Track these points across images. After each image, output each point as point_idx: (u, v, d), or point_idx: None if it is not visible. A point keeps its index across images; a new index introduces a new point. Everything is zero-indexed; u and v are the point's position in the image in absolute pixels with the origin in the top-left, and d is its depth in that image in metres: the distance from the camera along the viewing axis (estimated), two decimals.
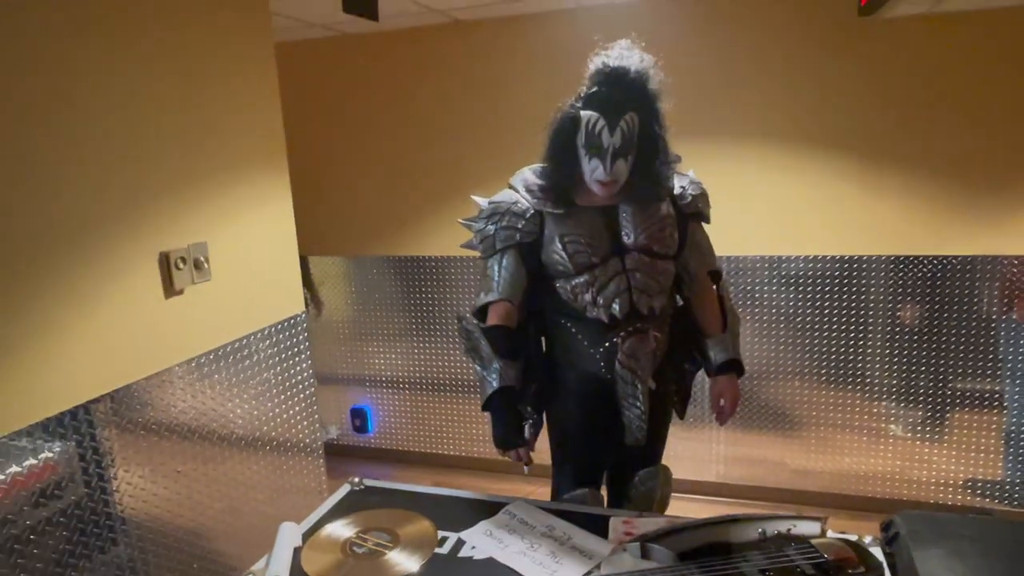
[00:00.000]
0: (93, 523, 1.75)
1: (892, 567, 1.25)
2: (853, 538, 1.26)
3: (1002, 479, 3.01)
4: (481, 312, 1.82)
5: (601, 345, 1.76)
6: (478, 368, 1.77)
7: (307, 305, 3.65)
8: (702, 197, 1.89)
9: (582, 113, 1.66)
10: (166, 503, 1.96)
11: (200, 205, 2.04)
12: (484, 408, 1.76)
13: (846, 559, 1.15)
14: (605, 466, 1.94)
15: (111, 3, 1.76)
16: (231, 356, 2.18)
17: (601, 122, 1.63)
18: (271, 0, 2.41)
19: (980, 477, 3.05)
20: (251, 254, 2.26)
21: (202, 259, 2.00)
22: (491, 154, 3.32)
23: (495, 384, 1.71)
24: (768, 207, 3.09)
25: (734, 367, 1.90)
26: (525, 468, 1.78)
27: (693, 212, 1.86)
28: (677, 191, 1.83)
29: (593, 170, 1.67)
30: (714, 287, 1.93)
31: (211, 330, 2.10)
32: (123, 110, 1.80)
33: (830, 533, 1.27)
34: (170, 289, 1.91)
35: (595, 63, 1.67)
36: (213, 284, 2.07)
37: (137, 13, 1.84)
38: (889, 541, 1.34)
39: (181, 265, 1.92)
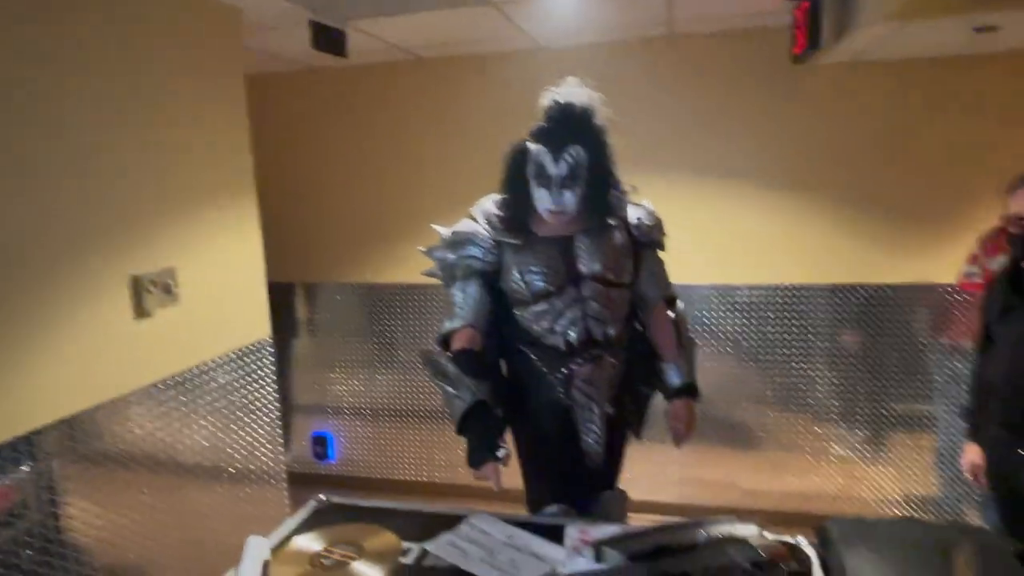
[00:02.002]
0: (45, 551, 1.73)
1: (826, 567, 1.36)
2: (787, 539, 1.37)
3: (935, 495, 3.19)
4: (446, 340, 1.84)
5: (558, 371, 1.82)
6: (447, 389, 1.75)
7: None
8: (656, 226, 1.96)
9: (530, 146, 1.75)
10: (122, 531, 1.94)
11: (170, 230, 2.09)
12: (459, 429, 1.72)
13: (780, 556, 1.26)
14: (573, 481, 1.92)
15: (84, 33, 1.83)
16: (197, 379, 2.21)
17: (546, 154, 1.72)
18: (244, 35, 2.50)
19: (915, 493, 3.22)
20: (219, 279, 2.30)
21: (171, 283, 2.04)
22: (452, 185, 3.43)
23: (468, 399, 1.70)
24: (718, 239, 3.26)
25: (690, 391, 1.96)
26: (495, 488, 1.72)
27: (648, 241, 1.93)
28: (633, 221, 1.90)
29: (541, 200, 1.74)
30: (670, 313, 2.00)
31: (178, 353, 2.13)
32: (96, 138, 1.85)
33: (766, 535, 1.37)
34: (140, 311, 1.95)
35: (545, 99, 1.76)
36: (181, 308, 2.11)
37: (109, 44, 1.90)
38: (823, 543, 1.46)
39: (152, 288, 1.96)
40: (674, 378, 1.95)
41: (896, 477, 3.23)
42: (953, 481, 3.14)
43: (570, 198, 1.73)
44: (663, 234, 1.99)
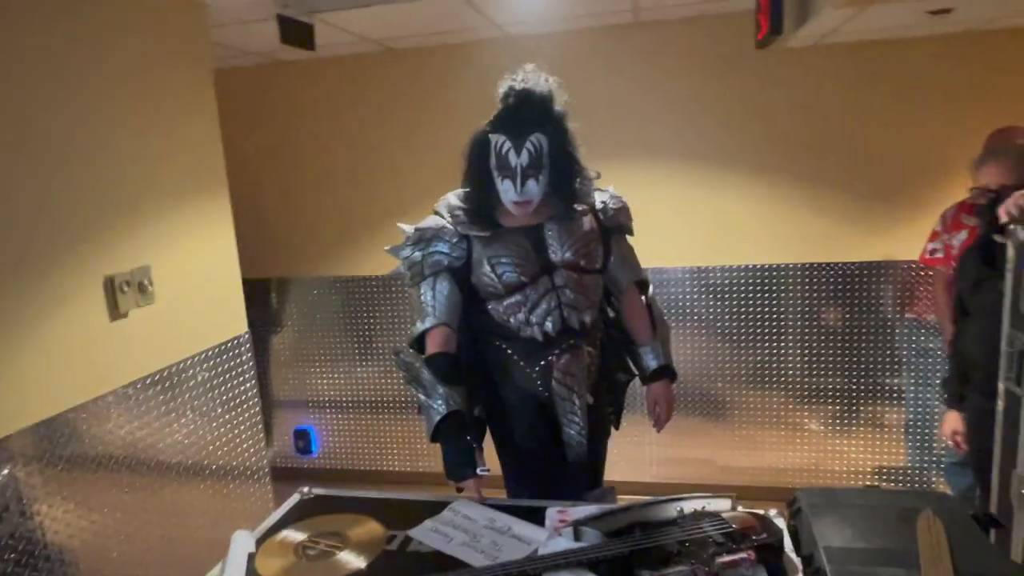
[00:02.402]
0: (29, 553, 1.74)
1: (796, 536, 1.41)
2: (759, 511, 1.42)
3: (905, 465, 3.30)
4: (418, 341, 1.79)
5: (537, 364, 1.80)
6: (421, 397, 1.71)
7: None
8: (623, 211, 1.94)
9: (490, 136, 1.71)
10: (104, 531, 1.94)
11: (143, 229, 2.08)
12: (432, 438, 1.69)
13: (751, 527, 1.30)
14: (554, 478, 1.90)
15: (48, 30, 1.80)
16: (175, 377, 2.21)
17: (507, 144, 1.67)
18: (211, 30, 2.48)
19: (887, 465, 3.32)
20: (194, 276, 2.30)
21: (146, 282, 2.04)
22: (427, 175, 3.42)
23: (443, 410, 1.66)
24: (691, 223, 3.32)
25: (667, 373, 1.97)
26: (477, 499, 1.67)
27: (616, 226, 1.92)
28: (599, 206, 1.88)
29: (506, 191, 1.71)
30: (642, 297, 2.00)
31: (155, 352, 2.12)
32: (63, 137, 1.84)
33: (740, 508, 1.42)
34: (115, 312, 1.94)
35: (503, 86, 1.72)
36: (157, 307, 2.10)
37: (74, 42, 1.88)
38: (793, 514, 1.52)
39: (126, 288, 1.95)
40: (651, 361, 1.96)
41: (867, 449, 3.33)
42: (921, 450, 3.25)
43: (533, 187, 1.70)
44: (630, 219, 1.98)
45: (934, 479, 3.25)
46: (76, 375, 1.86)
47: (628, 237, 2.00)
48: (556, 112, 1.73)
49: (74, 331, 1.84)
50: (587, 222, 1.85)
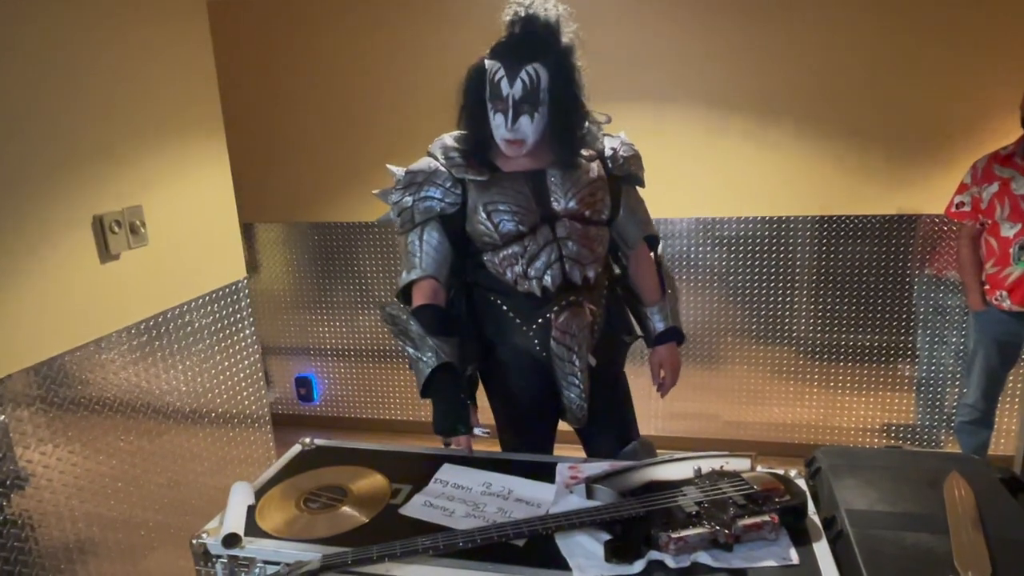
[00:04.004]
0: (24, 497, 1.70)
1: (815, 497, 1.36)
2: (780, 472, 1.36)
3: (914, 423, 3.26)
4: (405, 293, 1.69)
5: (534, 321, 1.67)
6: (410, 351, 1.60)
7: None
8: (634, 159, 1.79)
9: (485, 63, 1.56)
10: (102, 478, 1.90)
11: (134, 167, 1.98)
12: (423, 393, 1.59)
13: (773, 489, 1.25)
14: (552, 443, 1.84)
15: None
16: (171, 323, 2.14)
17: (501, 71, 1.52)
18: None
19: (895, 422, 3.29)
20: (189, 218, 2.21)
21: (138, 223, 1.95)
22: (438, 115, 3.29)
23: (433, 362, 1.55)
24: (699, 171, 3.20)
25: (674, 336, 1.85)
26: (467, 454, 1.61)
27: (625, 175, 1.77)
28: (608, 153, 1.73)
29: (498, 126, 1.56)
30: (652, 253, 1.87)
31: (150, 296, 2.05)
32: (51, 70, 1.72)
33: (759, 468, 1.37)
34: (106, 254, 1.86)
35: (507, 11, 1.56)
36: (151, 249, 2.02)
37: None
38: (812, 474, 1.47)
39: (116, 229, 1.86)
40: (658, 322, 1.84)
41: (877, 406, 3.29)
42: (931, 409, 3.21)
43: (527, 124, 1.55)
44: (642, 168, 1.82)
45: (943, 438, 3.22)
46: (68, 318, 1.79)
47: (639, 189, 1.85)
48: (561, 43, 1.56)
49: (64, 272, 1.76)
50: (594, 169, 1.69)
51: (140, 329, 2.02)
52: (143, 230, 1.97)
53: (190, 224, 2.21)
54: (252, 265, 3.75)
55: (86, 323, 1.84)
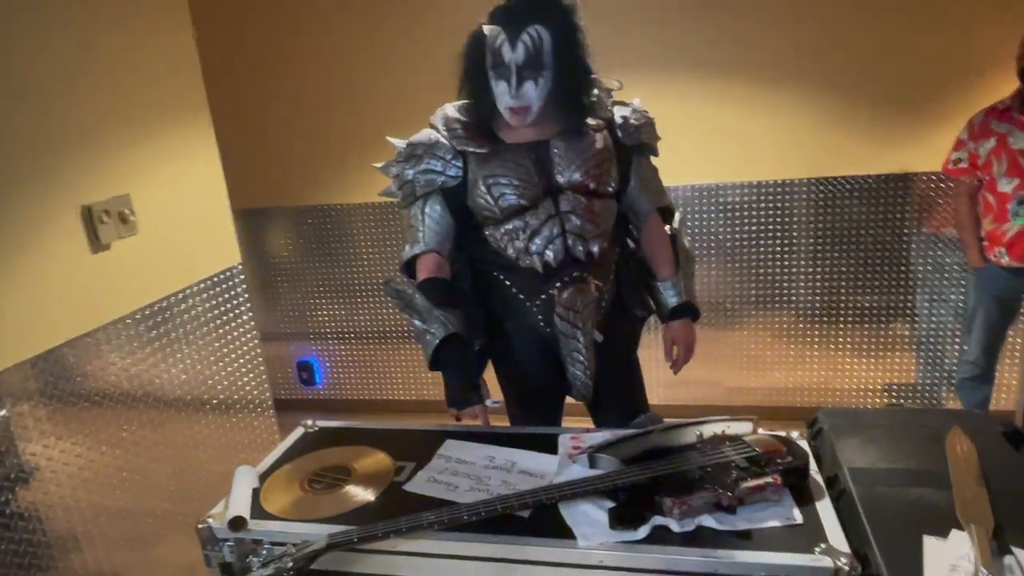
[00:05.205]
0: (29, 492, 1.70)
1: (817, 457, 1.36)
2: (782, 434, 1.36)
3: (915, 382, 3.27)
4: (409, 267, 1.67)
5: (537, 297, 1.65)
6: (417, 323, 1.59)
7: None
8: (646, 127, 1.72)
9: (484, 28, 1.51)
10: (106, 469, 1.89)
11: (119, 156, 1.95)
12: (432, 366, 1.58)
13: (775, 450, 1.25)
14: (560, 417, 1.84)
15: None
16: (168, 312, 2.13)
17: (502, 36, 1.47)
18: None
19: (896, 382, 3.30)
20: (179, 205, 2.18)
21: (127, 212, 1.93)
22: (432, 92, 3.26)
23: (440, 334, 1.54)
24: (695, 136, 3.16)
25: (688, 311, 1.79)
26: (484, 426, 1.62)
27: (636, 144, 1.70)
28: (618, 121, 1.68)
29: (501, 95, 1.52)
30: (666, 227, 1.80)
31: (144, 286, 2.04)
32: (35, 59, 1.69)
33: (760, 431, 1.37)
34: (96, 244, 1.84)
35: None
36: (141, 238, 2.00)
37: None
38: (814, 436, 1.47)
39: (105, 219, 1.84)
40: (671, 297, 1.76)
41: (877, 366, 3.30)
42: (932, 367, 3.22)
43: (531, 90, 1.50)
44: (655, 136, 1.76)
45: (945, 395, 3.23)
46: (62, 310, 1.78)
47: (653, 159, 1.79)
48: (562, 4, 1.52)
49: (55, 264, 1.75)
50: (601, 139, 1.64)
51: (136, 319, 2.00)
52: (132, 219, 1.95)
53: (180, 211, 2.19)
54: (248, 251, 3.73)
55: (81, 314, 1.83)
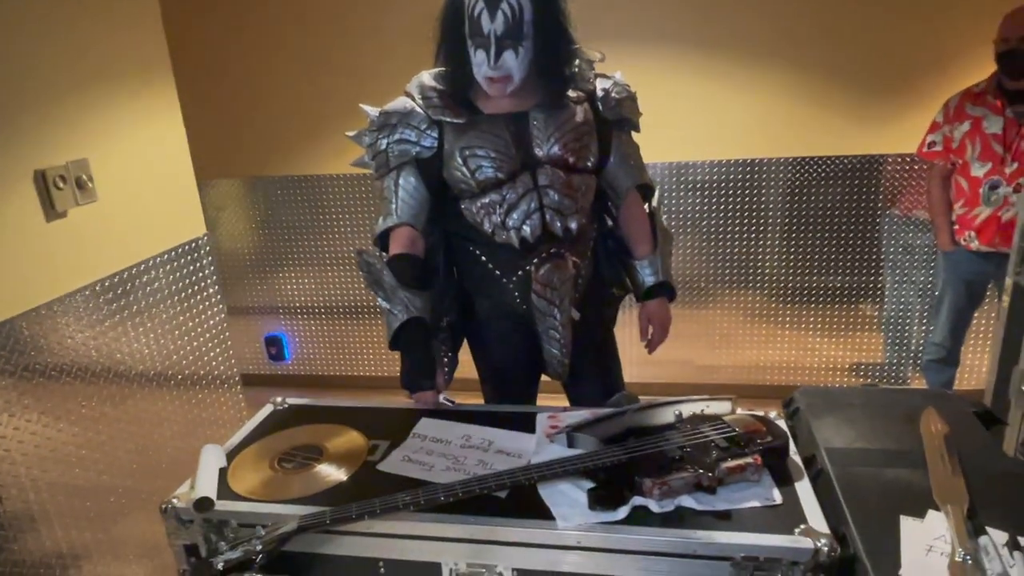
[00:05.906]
0: None
1: (794, 436, 1.36)
2: (761, 414, 1.36)
3: (882, 362, 3.33)
4: (383, 239, 1.63)
5: (514, 273, 1.62)
6: (381, 302, 1.57)
7: None
8: (628, 102, 1.69)
9: None
10: (64, 447, 1.82)
11: (77, 119, 1.85)
12: (391, 345, 1.57)
13: (755, 431, 1.24)
14: (535, 396, 1.84)
15: None
16: (130, 283, 2.04)
17: (480, 4, 1.42)
18: None
19: (864, 361, 3.36)
20: (141, 173, 2.09)
21: (85, 178, 1.83)
22: (402, 61, 3.17)
23: (402, 317, 1.53)
24: (671, 114, 3.13)
25: (665, 291, 1.78)
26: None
27: (617, 119, 1.67)
28: (599, 94, 1.64)
29: (479, 64, 1.46)
30: (645, 204, 1.78)
31: (104, 255, 1.95)
32: None
33: (739, 411, 1.36)
34: (52, 212, 1.74)
35: None
36: (101, 205, 1.91)
37: None
38: (791, 415, 1.47)
39: (61, 184, 1.74)
40: (648, 276, 1.75)
41: (845, 346, 3.35)
42: (899, 347, 3.28)
43: (511, 60, 1.45)
44: (637, 112, 1.73)
45: (910, 375, 3.30)
46: (15, 281, 1.68)
47: (634, 134, 1.76)
48: None
49: (6, 233, 1.65)
50: (581, 112, 1.60)
51: (96, 291, 1.92)
52: (91, 185, 1.85)
53: (142, 179, 2.09)
54: (215, 223, 3.62)
55: (36, 285, 1.74)
